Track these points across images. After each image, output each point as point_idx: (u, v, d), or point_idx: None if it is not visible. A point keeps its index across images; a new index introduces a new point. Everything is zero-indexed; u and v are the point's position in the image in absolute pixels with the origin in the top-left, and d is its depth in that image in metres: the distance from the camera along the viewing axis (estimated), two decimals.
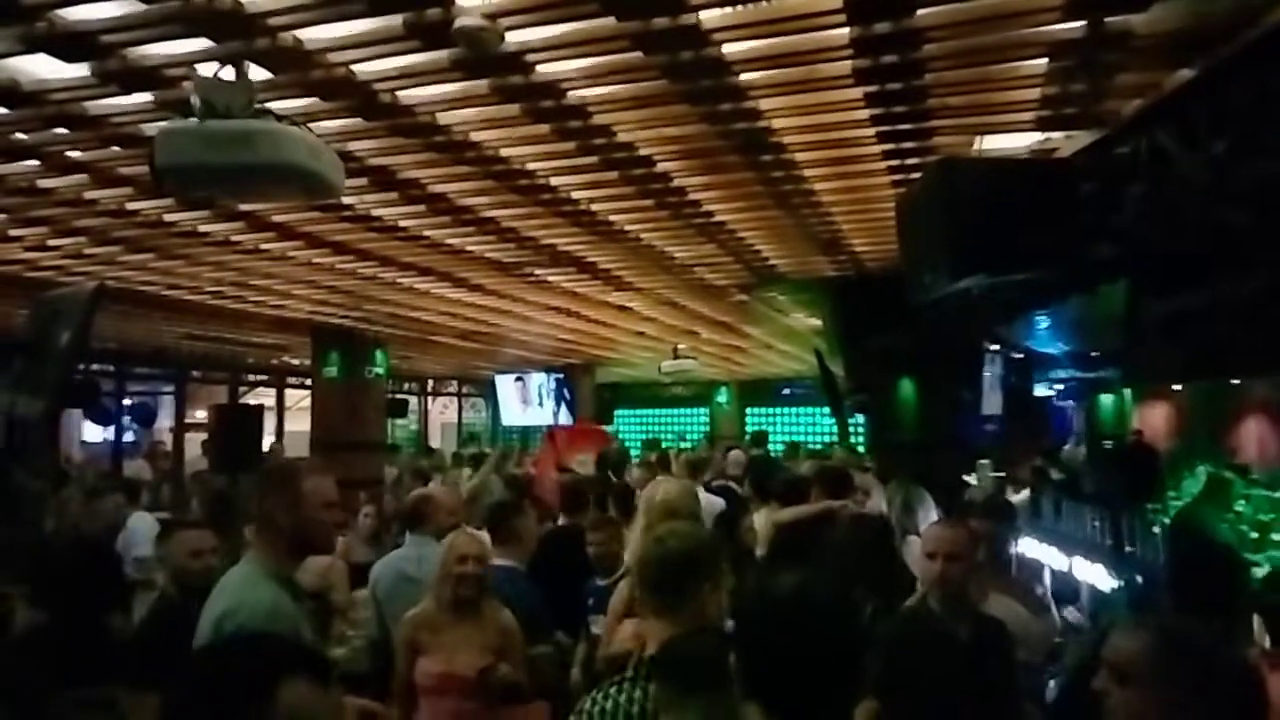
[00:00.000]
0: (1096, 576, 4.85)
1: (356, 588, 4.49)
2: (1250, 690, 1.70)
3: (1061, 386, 12.40)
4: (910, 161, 4.35)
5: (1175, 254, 3.99)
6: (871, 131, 3.95)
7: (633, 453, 9.76)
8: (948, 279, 3.87)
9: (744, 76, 3.33)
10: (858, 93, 3.47)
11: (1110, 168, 3.73)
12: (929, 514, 5.77)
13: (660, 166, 4.44)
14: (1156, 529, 5.37)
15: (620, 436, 16.46)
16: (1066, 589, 5.00)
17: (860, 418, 10.79)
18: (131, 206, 5.09)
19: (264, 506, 2.40)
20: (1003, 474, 9.06)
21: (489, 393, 17.60)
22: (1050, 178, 3.83)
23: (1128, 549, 5.13)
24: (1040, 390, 12.16)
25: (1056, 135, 4.05)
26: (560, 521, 5.15)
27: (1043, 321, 8.51)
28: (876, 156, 4.32)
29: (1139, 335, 4.59)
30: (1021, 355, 10.91)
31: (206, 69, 2.89)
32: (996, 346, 9.79)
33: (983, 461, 9.15)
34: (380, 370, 10.52)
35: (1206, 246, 3.77)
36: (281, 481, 2.42)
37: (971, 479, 8.58)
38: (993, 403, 9.82)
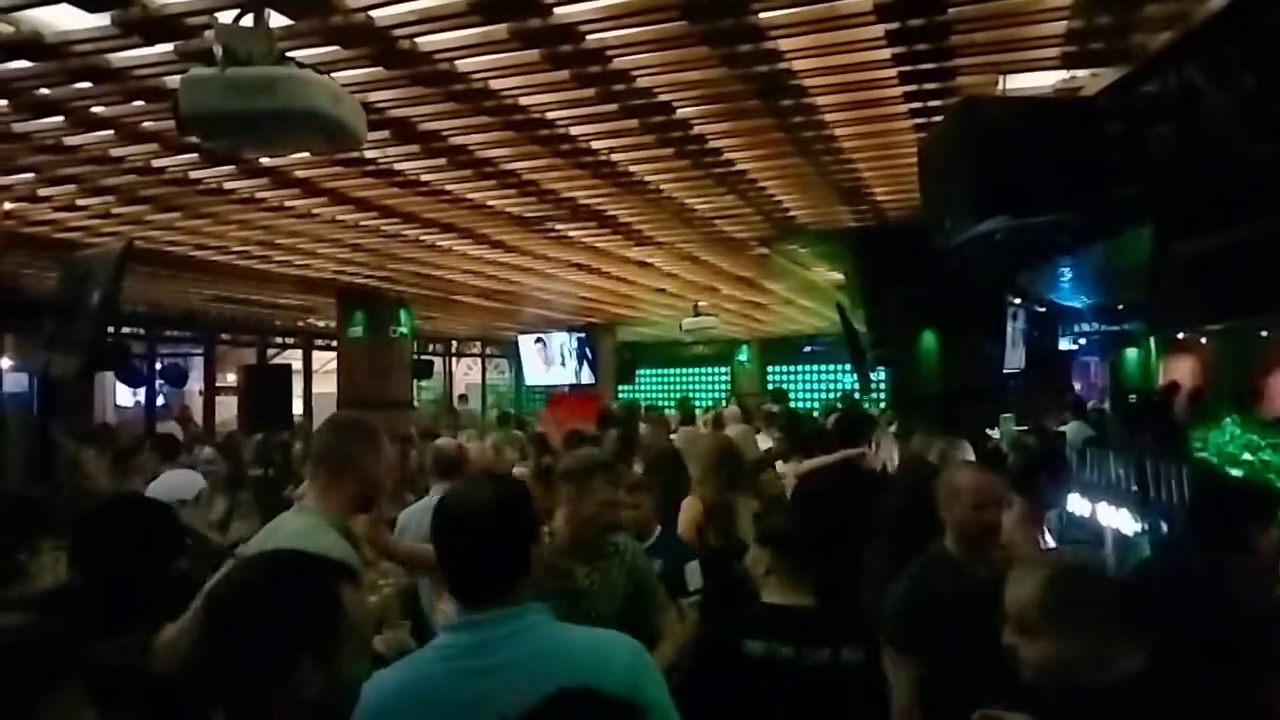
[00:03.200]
0: (1121, 521, 4.86)
1: None
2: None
3: (1085, 340, 12.31)
4: (932, 104, 4.30)
5: (1204, 193, 3.93)
6: (893, 72, 3.91)
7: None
8: (970, 222, 3.83)
9: (764, 15, 3.30)
10: (879, 30, 3.43)
11: (1137, 105, 3.67)
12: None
13: (680, 113, 4.42)
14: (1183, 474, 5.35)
15: (642, 397, 16.58)
16: (1090, 535, 5.01)
17: (882, 372, 10.77)
18: (157, 163, 5.14)
19: (349, 455, 2.42)
20: (1026, 427, 9.03)
21: (511, 353, 17.71)
22: (1075, 117, 3.77)
23: (1153, 494, 5.15)
24: (1064, 344, 12.08)
25: (1081, 73, 3.99)
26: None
27: (1066, 273, 8.44)
28: (898, 99, 4.27)
29: (1166, 277, 4.55)
30: (1044, 309, 10.84)
31: (227, 16, 2.90)
32: (1020, 300, 9.72)
33: (1006, 415, 9.12)
34: (405, 330, 10.61)
35: (1237, 185, 3.72)
36: (371, 434, 2.47)
37: (994, 433, 8.56)
38: (1016, 357, 9.78)
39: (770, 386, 17.95)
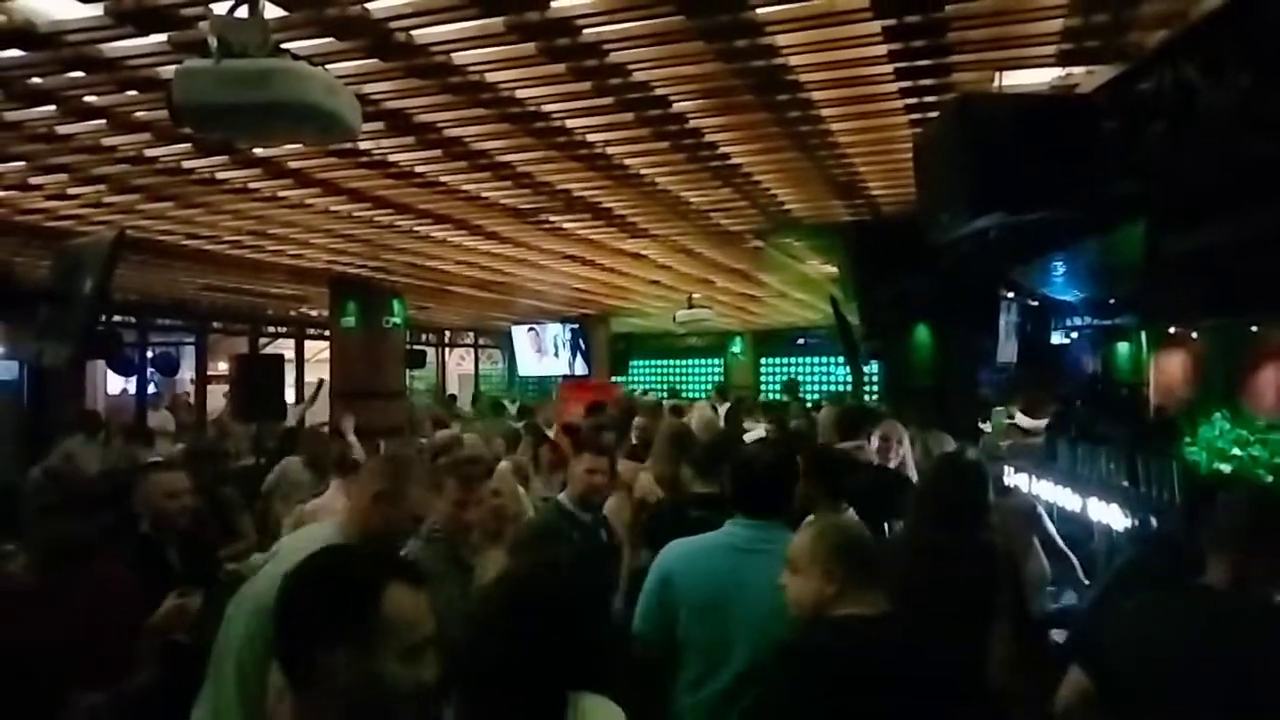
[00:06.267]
0: (1111, 516, 4.88)
1: None
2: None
3: (1076, 335, 12.32)
4: (928, 100, 4.30)
5: (1198, 190, 3.95)
6: (889, 68, 3.91)
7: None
8: (965, 218, 3.84)
9: (761, 10, 3.29)
10: (875, 26, 3.42)
11: (1132, 103, 3.68)
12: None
13: (676, 107, 4.41)
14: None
15: (636, 388, 16.61)
16: (1078, 529, 5.04)
17: (875, 365, 10.80)
18: (150, 153, 5.11)
19: (368, 490, 2.45)
20: (1016, 420, 9.07)
21: (505, 344, 17.69)
22: (1071, 114, 3.78)
23: (1141, 490, 5.16)
24: (1056, 338, 12.10)
25: (1078, 71, 3.99)
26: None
27: (1060, 267, 8.45)
28: (894, 95, 4.27)
29: (1159, 273, 4.57)
30: (1037, 302, 10.85)
31: (221, 7, 2.88)
32: (1013, 294, 9.73)
33: (998, 409, 9.16)
34: (398, 320, 10.59)
35: (1231, 182, 3.74)
36: (394, 477, 2.47)
37: (986, 426, 8.60)
38: (1008, 350, 9.80)
39: (764, 378, 18.03)
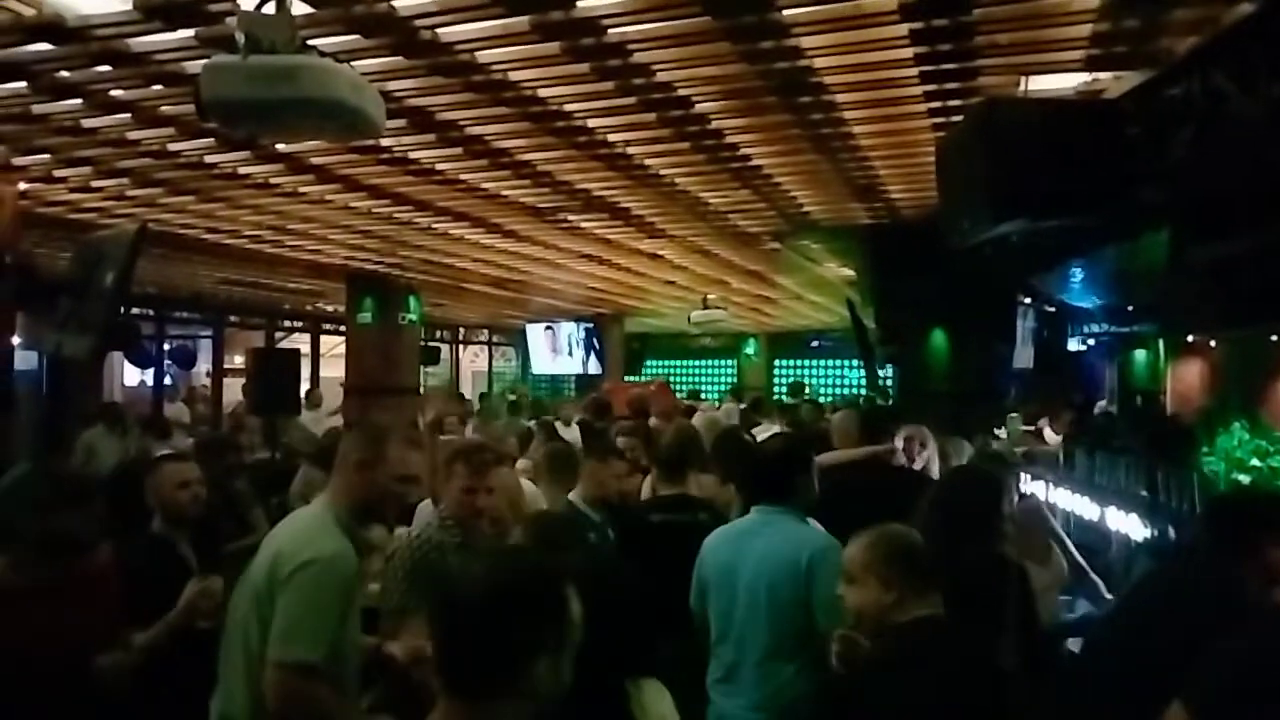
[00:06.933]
0: (1130, 526, 4.84)
1: None
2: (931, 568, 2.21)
3: (1094, 341, 12.24)
4: (952, 104, 4.28)
5: (1224, 198, 3.91)
6: (914, 71, 3.89)
7: None
8: (987, 223, 3.81)
9: (786, 12, 3.28)
10: (902, 29, 3.40)
11: (1160, 109, 3.64)
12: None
13: (698, 108, 4.40)
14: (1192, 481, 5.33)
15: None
16: (1096, 538, 5.00)
17: (890, 368, 10.74)
18: (173, 147, 5.14)
19: (345, 457, 2.44)
20: (1032, 427, 9.01)
21: (519, 341, 17.72)
22: (1097, 119, 3.75)
23: (1161, 499, 5.12)
24: (1073, 344, 12.02)
25: (1104, 76, 3.96)
26: None
27: (1079, 273, 8.40)
28: (918, 98, 4.25)
29: (1181, 281, 4.53)
30: (1055, 308, 10.78)
31: (249, 3, 2.89)
32: (1030, 299, 9.67)
33: (1013, 415, 9.10)
34: (413, 316, 10.63)
35: (1258, 191, 3.70)
36: (370, 442, 2.45)
37: (1001, 432, 8.54)
38: (1025, 356, 9.74)
39: (777, 380, 17.99)
